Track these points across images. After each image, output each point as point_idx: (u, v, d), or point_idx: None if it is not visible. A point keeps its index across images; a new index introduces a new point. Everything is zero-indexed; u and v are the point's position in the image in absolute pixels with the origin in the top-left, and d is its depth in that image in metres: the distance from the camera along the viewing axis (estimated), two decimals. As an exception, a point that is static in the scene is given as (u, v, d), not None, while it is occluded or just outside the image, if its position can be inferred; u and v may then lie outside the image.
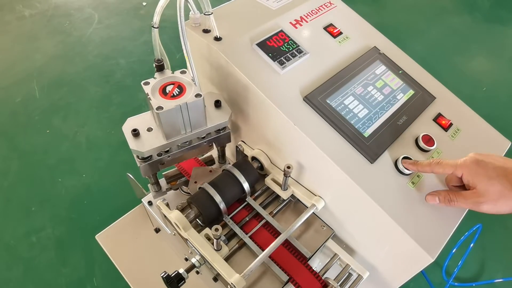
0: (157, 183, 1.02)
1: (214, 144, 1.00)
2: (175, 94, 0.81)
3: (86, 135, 2.15)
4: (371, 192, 0.77)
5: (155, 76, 0.83)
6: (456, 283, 1.67)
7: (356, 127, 0.83)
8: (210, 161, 1.07)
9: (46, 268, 1.67)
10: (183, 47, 0.78)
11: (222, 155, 1.04)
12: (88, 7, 2.93)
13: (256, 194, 0.98)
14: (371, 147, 0.82)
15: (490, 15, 3.21)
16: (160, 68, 0.84)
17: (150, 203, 1.05)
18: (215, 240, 0.80)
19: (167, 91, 0.81)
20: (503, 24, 3.12)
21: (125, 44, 2.65)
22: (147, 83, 0.82)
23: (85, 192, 1.93)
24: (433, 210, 0.79)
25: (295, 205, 0.98)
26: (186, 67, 0.84)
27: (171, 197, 1.06)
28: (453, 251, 1.64)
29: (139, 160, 0.92)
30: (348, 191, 0.80)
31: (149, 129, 0.87)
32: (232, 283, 0.76)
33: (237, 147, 1.03)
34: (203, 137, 0.94)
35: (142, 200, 1.06)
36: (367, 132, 0.84)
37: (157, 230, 1.14)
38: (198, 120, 0.84)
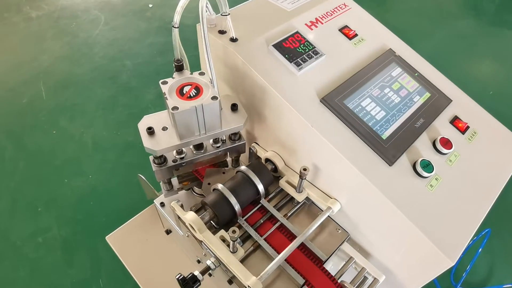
0: (169, 182, 1.01)
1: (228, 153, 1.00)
2: (192, 95, 0.80)
3: (92, 136, 2.14)
4: (390, 194, 0.76)
5: (173, 76, 0.83)
6: (465, 288, 1.66)
7: (374, 129, 0.83)
8: (222, 163, 1.06)
9: (52, 269, 1.66)
10: (204, 49, 0.77)
11: (236, 159, 1.03)
12: (94, 8, 2.93)
13: (270, 196, 0.97)
14: (389, 149, 0.81)
15: (495, 19, 3.20)
16: (180, 68, 0.83)
17: (162, 204, 1.04)
18: (231, 242, 0.79)
19: (184, 92, 0.81)
20: (509, 28, 3.11)
21: (131, 46, 2.65)
22: (165, 82, 0.82)
23: (91, 193, 1.92)
24: (452, 213, 0.78)
25: (309, 208, 0.97)
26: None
27: (183, 198, 1.05)
28: (462, 255, 1.63)
29: (155, 164, 0.91)
30: (366, 194, 0.79)
31: (164, 128, 0.86)
32: (249, 286, 0.75)
33: (250, 149, 1.03)
34: (218, 146, 0.94)
35: (154, 201, 1.05)
36: (385, 135, 0.83)
37: (168, 232, 1.13)
38: (213, 122, 0.84)
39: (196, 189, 1.06)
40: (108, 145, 2.10)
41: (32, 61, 2.53)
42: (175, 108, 0.77)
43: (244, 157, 1.12)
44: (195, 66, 0.93)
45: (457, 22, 3.12)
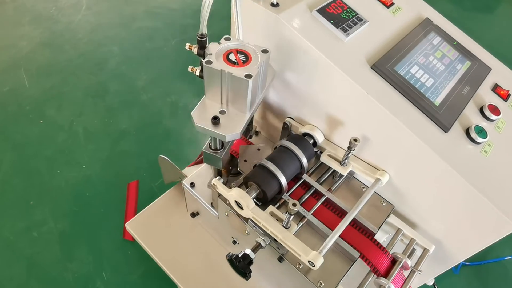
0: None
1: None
2: (244, 61, 0.75)
3: (83, 125, 2.03)
4: (449, 160, 0.74)
5: (220, 42, 0.77)
6: (467, 263, 1.69)
7: (426, 95, 0.80)
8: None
9: (51, 264, 1.56)
10: (234, 8, 0.72)
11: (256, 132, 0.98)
12: (75, -8, 2.78)
13: (310, 172, 0.93)
14: (443, 115, 0.79)
15: (477, 4, 3.27)
16: (202, 45, 0.77)
17: (192, 184, 0.98)
18: (287, 217, 0.75)
19: (233, 60, 0.75)
20: (490, 12, 3.19)
21: (117, 31, 2.53)
22: (209, 62, 0.74)
23: (86, 184, 1.82)
24: (508, 177, 0.77)
25: (350, 182, 0.94)
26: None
27: (208, 178, 0.99)
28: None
29: (217, 152, 0.83)
30: (423, 162, 0.77)
31: (222, 112, 0.77)
32: (310, 261, 0.71)
33: (284, 123, 0.98)
34: None
35: (183, 182, 0.99)
36: (437, 101, 0.81)
37: (194, 215, 1.08)
38: (263, 80, 0.79)
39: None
40: (100, 134, 2.01)
41: (9, 48, 2.37)
42: (248, 75, 0.70)
43: (275, 133, 1.08)
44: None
45: (440, 6, 3.16)
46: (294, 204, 0.70)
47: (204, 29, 0.79)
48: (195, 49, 0.81)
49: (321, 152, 0.93)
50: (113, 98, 2.17)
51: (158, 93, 2.19)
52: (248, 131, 1.02)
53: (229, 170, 0.96)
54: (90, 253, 1.61)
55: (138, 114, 2.10)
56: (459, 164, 0.75)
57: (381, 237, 0.95)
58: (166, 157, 1.05)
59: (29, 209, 1.72)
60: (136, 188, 1.84)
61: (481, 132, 0.79)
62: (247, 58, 0.75)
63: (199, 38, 0.79)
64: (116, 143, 1.99)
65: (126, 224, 1.08)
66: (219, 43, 0.77)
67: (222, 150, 0.82)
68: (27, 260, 1.56)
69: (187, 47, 0.83)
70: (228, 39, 0.78)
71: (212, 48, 0.75)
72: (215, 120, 0.73)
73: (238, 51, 0.76)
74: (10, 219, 1.67)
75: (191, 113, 0.77)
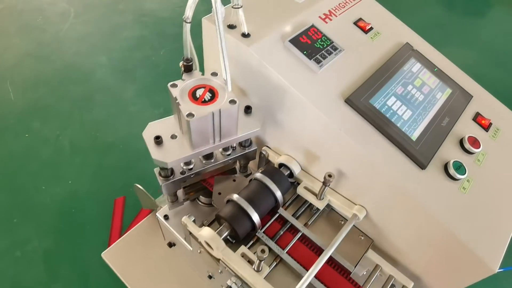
0: (174, 194, 0.92)
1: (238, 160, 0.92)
2: (207, 100, 0.72)
3: (69, 138, 2.00)
4: (425, 200, 0.71)
5: (183, 78, 0.74)
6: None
7: (403, 130, 0.77)
8: (230, 170, 0.98)
9: (35, 285, 1.53)
10: (220, 46, 0.69)
11: (244, 165, 0.95)
12: (62, 1, 2.73)
13: (287, 204, 0.90)
14: (420, 152, 0.76)
15: (469, 9, 3.23)
16: (189, 68, 0.75)
17: (166, 217, 0.95)
18: (257, 262, 0.72)
19: (198, 96, 0.72)
20: (481, 17, 3.14)
21: (105, 40, 2.49)
22: (174, 85, 0.73)
23: (72, 200, 1.78)
24: (488, 217, 0.74)
25: (329, 214, 0.91)
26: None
27: (190, 210, 0.96)
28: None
29: (161, 178, 0.82)
30: (399, 200, 0.74)
31: (173, 137, 0.77)
32: (280, 308, 0.68)
33: (261, 153, 0.95)
34: (228, 154, 0.86)
35: (157, 214, 0.96)
36: (414, 136, 0.78)
37: (171, 245, 1.05)
38: (230, 128, 0.76)
39: (202, 198, 0.98)
40: (87, 148, 1.97)
41: (-5, 59, 2.33)
42: (190, 115, 0.68)
43: (252, 163, 1.04)
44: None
45: (432, 11, 3.12)
46: (263, 251, 0.68)
47: (188, 54, 0.77)
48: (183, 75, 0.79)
49: (298, 184, 0.90)
50: (100, 110, 2.13)
51: (146, 104, 2.16)
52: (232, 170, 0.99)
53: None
54: (75, 272, 1.57)
55: (125, 126, 2.07)
56: (436, 203, 0.72)
57: (361, 270, 0.92)
58: (140, 186, 1.02)
59: (13, 227, 1.69)
60: (122, 204, 1.81)
61: (460, 168, 0.76)
62: (211, 98, 0.72)
63: (185, 63, 0.77)
64: (103, 157, 1.95)
65: (102, 254, 1.05)
66: (202, 74, 0.76)
67: (166, 178, 0.81)
68: (10, 280, 1.53)
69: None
70: (215, 74, 0.76)
71: (190, 75, 0.75)
72: (158, 140, 0.74)
73: (210, 89, 0.74)
74: (-8, 238, 1.64)
75: (150, 122, 0.79)
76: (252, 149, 0.88)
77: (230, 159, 0.88)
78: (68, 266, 1.58)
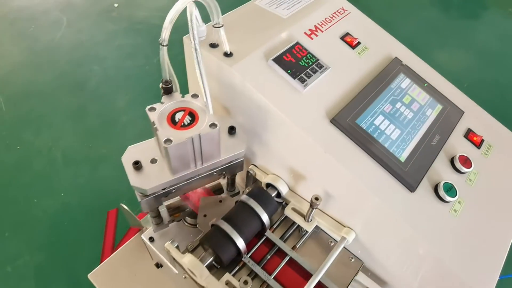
0: (158, 216, 0.90)
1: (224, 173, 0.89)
2: (186, 123, 0.69)
3: (62, 149, 1.98)
4: (415, 224, 0.69)
5: (162, 101, 0.72)
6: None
7: (391, 151, 0.75)
8: (218, 190, 0.96)
9: (26, 302, 1.51)
10: (197, 67, 0.66)
11: (231, 182, 0.93)
12: (55, 9, 2.71)
13: (274, 226, 0.88)
14: (409, 173, 0.73)
15: (464, 12, 3.20)
16: (168, 91, 0.72)
17: (151, 239, 0.93)
18: (241, 290, 0.69)
19: (177, 119, 0.70)
20: (476, 19, 3.11)
21: (98, 49, 2.47)
22: (152, 109, 0.70)
23: (64, 212, 1.77)
24: (479, 242, 0.72)
25: (318, 236, 0.88)
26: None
27: (175, 231, 0.94)
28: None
29: (139, 195, 0.80)
30: (387, 223, 0.72)
31: (153, 161, 0.75)
32: None
33: (248, 172, 0.93)
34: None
35: (142, 236, 0.93)
36: (403, 157, 0.75)
37: (158, 266, 1.02)
38: (212, 152, 0.73)
39: (188, 219, 0.95)
40: (80, 159, 1.95)
41: (-14, 69, 2.32)
42: (168, 141, 0.66)
43: (240, 179, 1.02)
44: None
45: (427, 14, 3.09)
46: (245, 282, 0.65)
47: (166, 76, 0.74)
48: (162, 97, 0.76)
49: (286, 204, 0.87)
50: (93, 120, 2.11)
51: (139, 114, 2.13)
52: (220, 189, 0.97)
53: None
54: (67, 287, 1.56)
55: (118, 136, 2.05)
56: (425, 228, 0.69)
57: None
58: (125, 207, 0.99)
59: (4, 241, 1.67)
60: (115, 216, 1.78)
61: (451, 189, 0.73)
62: (191, 122, 0.69)
63: (164, 86, 0.74)
64: (96, 168, 1.93)
65: (88, 275, 1.03)
66: (182, 96, 0.73)
67: (145, 195, 0.78)
68: (0, 298, 1.52)
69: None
70: (195, 96, 0.73)
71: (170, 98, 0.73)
72: (136, 165, 0.72)
73: (190, 112, 0.71)
74: (-18, 254, 1.62)
75: (129, 146, 0.76)
76: (238, 161, 0.85)
77: (214, 172, 0.84)
78: (60, 281, 1.56)
